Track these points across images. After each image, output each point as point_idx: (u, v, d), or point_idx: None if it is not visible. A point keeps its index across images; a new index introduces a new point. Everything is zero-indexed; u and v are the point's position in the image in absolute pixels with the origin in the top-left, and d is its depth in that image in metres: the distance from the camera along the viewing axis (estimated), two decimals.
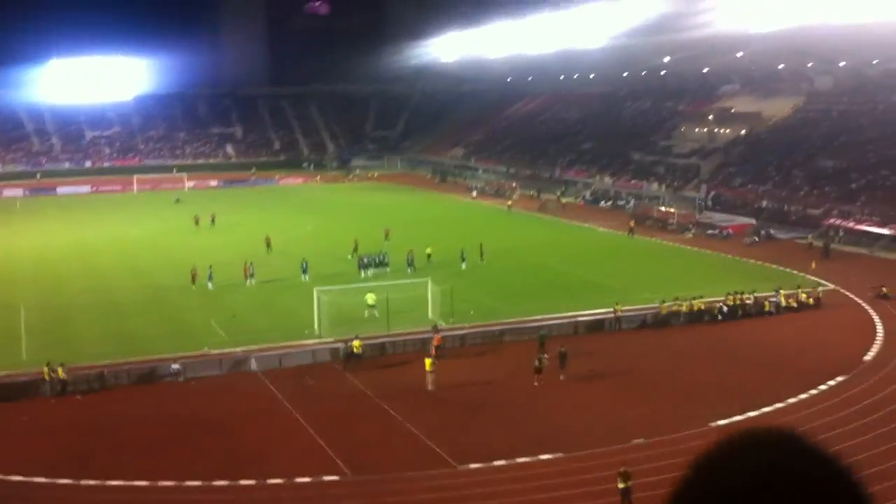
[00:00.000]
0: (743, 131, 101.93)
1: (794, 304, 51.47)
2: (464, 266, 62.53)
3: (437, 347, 42.16)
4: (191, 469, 30.06)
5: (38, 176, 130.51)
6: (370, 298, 49.06)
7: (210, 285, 56.73)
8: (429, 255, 63.58)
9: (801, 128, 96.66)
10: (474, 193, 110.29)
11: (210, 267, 57.96)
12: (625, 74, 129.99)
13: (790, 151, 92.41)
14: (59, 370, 38.05)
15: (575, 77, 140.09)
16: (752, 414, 34.15)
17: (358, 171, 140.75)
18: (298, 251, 65.66)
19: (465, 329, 46.62)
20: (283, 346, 43.71)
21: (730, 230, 77.39)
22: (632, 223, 79.82)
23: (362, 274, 59.99)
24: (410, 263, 61.82)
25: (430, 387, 38.07)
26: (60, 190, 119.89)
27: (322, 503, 27.77)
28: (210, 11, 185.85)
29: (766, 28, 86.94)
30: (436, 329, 44.55)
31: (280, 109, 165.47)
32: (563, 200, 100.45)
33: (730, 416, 33.81)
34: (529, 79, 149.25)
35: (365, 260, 61.81)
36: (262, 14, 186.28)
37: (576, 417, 34.84)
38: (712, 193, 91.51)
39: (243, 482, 28.97)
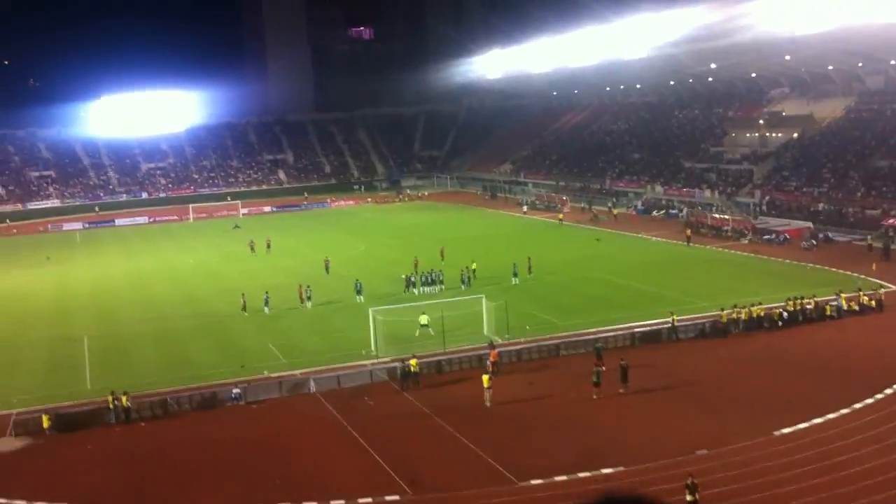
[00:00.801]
0: (795, 134, 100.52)
1: (856, 308, 50.49)
2: (515, 281, 62.49)
3: (493, 363, 42.15)
4: (255, 492, 30.33)
5: (97, 209, 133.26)
6: (423, 318, 49.21)
7: (266, 310, 57.38)
8: (473, 270, 63.60)
9: (854, 128, 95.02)
10: (525, 208, 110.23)
11: (266, 292, 58.71)
12: (671, 83, 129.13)
13: (844, 152, 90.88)
14: (123, 398, 38.71)
15: (621, 88, 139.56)
16: (817, 421, 33.56)
17: (408, 191, 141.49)
18: (352, 272, 66.14)
19: (520, 344, 46.49)
20: (341, 367, 43.97)
21: (787, 234, 76.26)
22: (688, 232, 79.03)
23: (416, 292, 60.33)
24: (464, 281, 61.92)
25: (487, 403, 38.01)
26: (118, 221, 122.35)
27: None
28: (256, 42, 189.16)
29: (814, 29, 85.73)
30: (492, 345, 44.51)
31: (329, 133, 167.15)
32: (615, 211, 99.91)
33: (794, 425, 33.26)
34: (575, 91, 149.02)
35: (412, 278, 62.07)
36: (306, 42, 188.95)
37: (636, 430, 34.49)
38: (767, 198, 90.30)
39: None
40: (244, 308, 57.51)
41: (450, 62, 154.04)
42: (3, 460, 35.09)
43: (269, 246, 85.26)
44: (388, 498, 29.41)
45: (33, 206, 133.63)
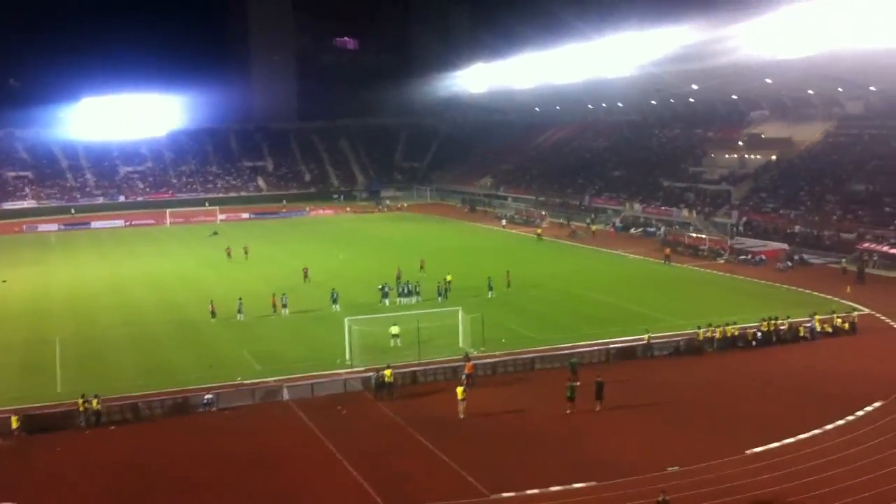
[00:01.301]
0: (773, 157, 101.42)
1: (830, 330, 50.86)
2: (491, 294, 62.53)
3: (468, 376, 42.09)
4: (223, 500, 30.07)
5: (73, 211, 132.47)
6: (394, 329, 49.29)
7: (240, 317, 57.13)
8: (448, 282, 63.56)
9: (832, 152, 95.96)
10: (504, 222, 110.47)
11: (240, 299, 58.52)
12: (653, 102, 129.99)
13: (822, 176, 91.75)
14: (94, 402, 38.33)
15: (603, 106, 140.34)
16: (788, 441, 33.70)
17: (387, 202, 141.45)
18: (330, 281, 65.97)
19: (496, 357, 46.45)
20: (316, 376, 43.76)
21: (763, 255, 76.76)
22: (667, 251, 79.35)
23: (387, 302, 60.30)
24: (441, 293, 61.89)
25: (461, 415, 37.92)
26: (94, 224, 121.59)
27: None
28: (240, 48, 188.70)
29: (795, 54, 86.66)
30: (467, 357, 44.45)
31: (310, 142, 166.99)
32: (593, 228, 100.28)
33: (766, 444, 33.38)
34: (558, 108, 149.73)
35: (386, 289, 61.97)
36: (291, 50, 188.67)
37: (609, 446, 34.52)
38: (744, 219, 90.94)
39: None
40: (213, 314, 57.21)
41: (434, 75, 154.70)
42: None
43: (246, 253, 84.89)
44: None
45: (8, 206, 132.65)
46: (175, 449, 35.63)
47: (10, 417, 37.36)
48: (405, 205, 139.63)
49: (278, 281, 68.86)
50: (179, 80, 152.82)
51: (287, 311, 58.54)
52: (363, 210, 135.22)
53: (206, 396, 40.35)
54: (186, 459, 34.38)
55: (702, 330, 48.65)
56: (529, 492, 29.94)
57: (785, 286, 65.68)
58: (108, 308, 63.21)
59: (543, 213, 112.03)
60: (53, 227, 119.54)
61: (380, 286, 62.50)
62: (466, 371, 42.49)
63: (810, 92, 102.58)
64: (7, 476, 33.06)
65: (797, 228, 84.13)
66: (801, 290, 63.98)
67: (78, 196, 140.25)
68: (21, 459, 34.82)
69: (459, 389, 38.69)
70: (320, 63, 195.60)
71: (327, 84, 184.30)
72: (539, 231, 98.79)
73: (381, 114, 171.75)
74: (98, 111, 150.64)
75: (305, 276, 70.40)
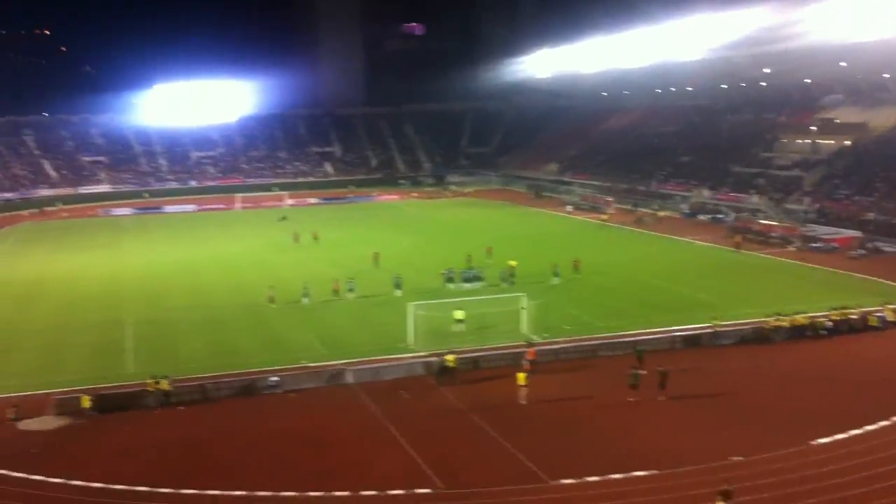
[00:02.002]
0: (847, 142, 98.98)
1: None
2: (556, 281, 62.31)
3: (530, 362, 42.09)
4: (287, 480, 30.62)
5: (146, 195, 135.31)
6: (459, 314, 49.44)
7: (305, 301, 57.85)
8: (512, 268, 63.45)
9: None
10: (569, 208, 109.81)
11: (305, 284, 59.23)
12: (723, 86, 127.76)
13: None
14: (163, 382, 39.29)
15: (672, 90, 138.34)
16: (855, 432, 33.08)
17: (453, 187, 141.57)
18: (396, 267, 66.41)
19: (558, 343, 46.35)
20: (379, 360, 44.21)
21: (835, 243, 75.13)
22: (737, 238, 78.09)
23: (452, 287, 60.47)
24: (504, 279, 61.89)
25: (522, 401, 37.98)
26: (167, 208, 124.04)
27: None
28: (308, 35, 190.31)
29: (870, 37, 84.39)
30: (529, 343, 44.45)
31: (377, 128, 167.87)
32: (661, 214, 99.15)
33: (832, 435, 32.81)
34: (625, 93, 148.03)
35: (451, 274, 62.13)
36: (358, 36, 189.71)
37: (671, 434, 34.25)
38: (816, 206, 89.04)
39: (337, 493, 29.36)
40: (272, 300, 57.90)
41: (500, 60, 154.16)
42: (42, 439, 35.77)
43: (316, 238, 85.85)
44: (419, 491, 29.52)
45: (84, 190, 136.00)
46: (240, 429, 36.33)
47: (81, 397, 38.49)
48: (471, 190, 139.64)
49: (346, 265, 69.57)
50: (249, 66, 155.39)
51: (353, 294, 59.13)
52: (429, 195, 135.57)
53: (272, 379, 41.06)
54: (251, 439, 35.03)
55: (771, 319, 47.88)
56: (589, 479, 29.89)
57: (857, 275, 64.25)
58: (178, 290, 64.58)
59: (609, 199, 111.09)
60: (127, 210, 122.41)
61: (444, 271, 62.76)
62: (529, 357, 42.50)
63: (886, 75, 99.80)
64: (78, 453, 34.08)
65: (871, 216, 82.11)
66: (873, 278, 62.52)
67: (151, 181, 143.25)
68: (92, 437, 35.87)
69: (521, 375, 38.73)
70: (387, 49, 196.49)
71: (394, 69, 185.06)
72: (605, 217, 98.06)
73: (447, 99, 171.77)
74: (170, 97, 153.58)
75: (376, 260, 70.89)
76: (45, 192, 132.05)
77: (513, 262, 64.37)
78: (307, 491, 29.60)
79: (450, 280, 61.72)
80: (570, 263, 65.29)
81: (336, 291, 59.45)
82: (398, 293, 58.75)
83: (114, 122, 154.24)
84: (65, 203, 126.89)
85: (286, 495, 29.42)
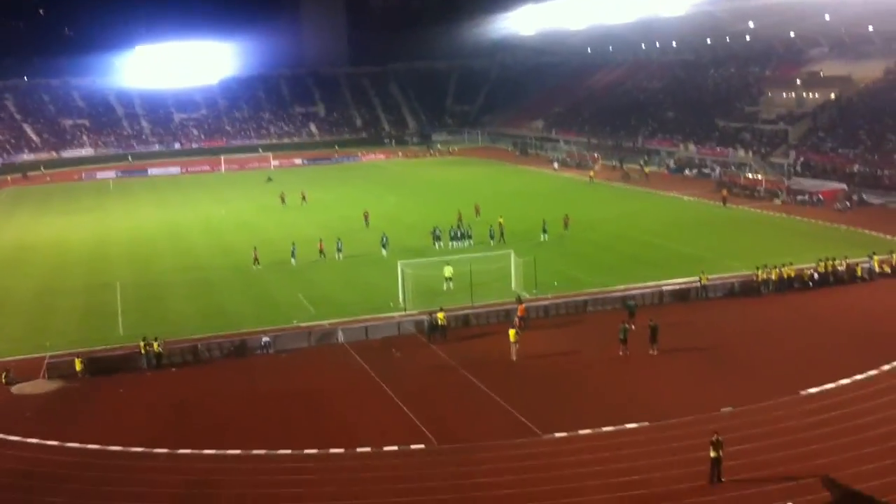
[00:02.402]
0: (832, 95, 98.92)
1: (888, 270, 50.05)
2: (544, 237, 62.42)
3: (521, 318, 42.30)
4: (282, 438, 30.83)
5: (130, 158, 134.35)
6: (447, 271, 49.60)
7: (293, 261, 57.80)
8: (501, 225, 63.47)
9: (893, 90, 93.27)
10: (556, 165, 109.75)
11: (293, 244, 59.21)
12: (708, 41, 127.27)
13: (882, 115, 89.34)
14: (155, 344, 39.32)
15: (657, 45, 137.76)
16: (844, 382, 33.47)
17: (439, 146, 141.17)
18: (384, 226, 66.36)
19: (548, 300, 46.55)
20: (370, 319, 44.31)
21: (821, 196, 75.45)
22: (724, 192, 78.27)
23: (437, 246, 60.51)
24: (493, 236, 61.98)
25: (514, 357, 38.23)
26: (151, 171, 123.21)
27: (410, 471, 28.13)
28: None
29: None
30: (519, 300, 44.62)
31: (361, 87, 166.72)
32: (647, 170, 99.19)
33: (821, 385, 33.20)
34: (610, 49, 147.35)
35: (438, 232, 62.12)
36: None
37: (662, 387, 34.58)
38: (801, 159, 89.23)
39: (332, 450, 29.59)
40: (256, 261, 57.70)
41: (484, 17, 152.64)
42: (35, 402, 35.86)
43: (304, 199, 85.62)
44: (413, 447, 29.76)
45: (67, 154, 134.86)
46: (233, 389, 36.47)
47: (73, 360, 38.52)
48: (456, 149, 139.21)
49: (333, 226, 69.48)
50: (230, 26, 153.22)
51: (341, 255, 59.11)
52: (415, 154, 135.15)
53: (264, 339, 41.15)
54: (244, 399, 35.21)
55: (760, 271, 48.18)
56: (582, 432, 30.20)
57: (843, 226, 64.64)
58: (166, 253, 64.43)
59: (596, 156, 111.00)
60: (111, 174, 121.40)
61: (432, 230, 62.77)
62: (519, 314, 42.70)
63: (871, 28, 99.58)
64: (72, 416, 34.19)
65: (856, 168, 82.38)
66: (859, 230, 62.91)
67: (134, 143, 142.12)
68: (85, 400, 35.97)
69: (512, 332, 38.95)
70: (369, 6, 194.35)
71: (377, 28, 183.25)
72: (591, 174, 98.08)
73: (431, 57, 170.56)
74: (151, 59, 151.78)
75: (366, 220, 70.71)
76: (28, 156, 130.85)
77: (501, 220, 64.36)
78: (302, 449, 29.80)
79: (437, 239, 61.72)
80: (561, 220, 65.32)
81: (322, 252, 59.35)
82: (385, 253, 58.73)
83: (95, 84, 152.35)
84: (48, 167, 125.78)
85: (281, 453, 29.61)
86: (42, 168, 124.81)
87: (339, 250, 59.41)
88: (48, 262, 62.96)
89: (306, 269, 56.98)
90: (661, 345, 38.27)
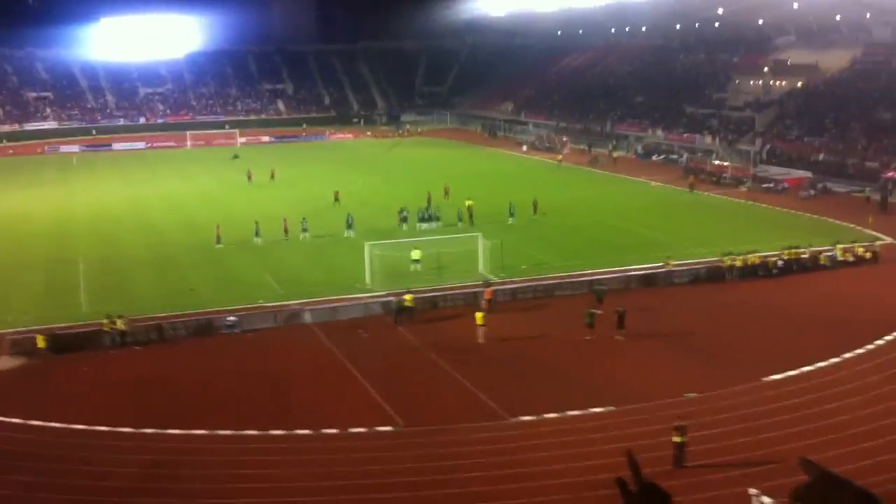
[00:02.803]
0: (799, 83, 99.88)
1: (851, 258, 50.69)
2: (512, 220, 62.49)
3: (488, 301, 42.37)
4: (247, 418, 30.68)
5: (94, 132, 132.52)
6: (415, 253, 49.48)
7: (257, 240, 57.34)
8: (470, 207, 63.42)
9: (858, 80, 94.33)
10: (524, 148, 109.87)
11: (256, 222, 58.68)
12: (677, 27, 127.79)
13: (847, 104, 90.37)
14: (119, 322, 38.91)
15: (626, 30, 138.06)
16: (806, 369, 33.88)
17: (408, 127, 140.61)
18: (352, 206, 66.03)
19: (515, 283, 46.67)
20: (337, 299, 44.16)
21: (786, 183, 76.20)
22: (691, 178, 78.77)
23: (405, 227, 60.37)
24: (461, 218, 61.93)
25: (480, 340, 38.31)
26: (116, 146, 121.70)
27: (376, 453, 28.14)
28: None
29: None
30: (487, 283, 44.68)
31: (330, 65, 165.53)
32: (615, 154, 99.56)
33: (783, 372, 33.60)
34: (580, 32, 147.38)
35: (405, 213, 61.94)
36: None
37: (627, 372, 34.83)
38: (767, 147, 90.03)
39: (299, 432, 29.52)
40: (218, 241, 56.99)
41: None
42: None
43: (272, 176, 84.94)
44: (380, 429, 29.76)
45: (30, 126, 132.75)
46: (199, 369, 36.28)
47: (36, 336, 38.04)
48: (425, 129, 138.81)
49: (300, 204, 69.02)
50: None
51: (307, 234, 58.75)
52: (383, 134, 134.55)
53: (229, 318, 40.89)
54: (209, 379, 35.04)
55: (726, 258, 48.61)
56: (547, 415, 30.35)
57: (807, 214, 65.32)
58: (130, 229, 63.72)
59: (565, 140, 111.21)
60: (75, 148, 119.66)
61: (399, 211, 62.58)
62: (486, 297, 42.77)
63: (838, 17, 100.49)
64: (34, 394, 33.76)
65: (821, 156, 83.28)
66: (823, 218, 63.61)
67: (99, 117, 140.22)
68: (48, 378, 35.56)
69: (479, 315, 39.01)
70: None
71: (347, 5, 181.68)
72: (560, 157, 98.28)
73: (401, 37, 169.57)
74: (117, 32, 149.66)
75: (336, 198, 70.10)
76: None
77: (469, 202, 64.28)
78: (268, 429, 29.69)
79: (404, 220, 61.55)
80: (529, 203, 65.35)
81: (286, 231, 58.84)
82: (350, 234, 58.43)
83: (59, 56, 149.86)
84: (10, 140, 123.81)
85: (247, 433, 29.49)
86: (4, 140, 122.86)
87: (304, 230, 58.94)
88: (10, 235, 62.04)
89: (272, 248, 56.55)
90: (627, 330, 38.54)
